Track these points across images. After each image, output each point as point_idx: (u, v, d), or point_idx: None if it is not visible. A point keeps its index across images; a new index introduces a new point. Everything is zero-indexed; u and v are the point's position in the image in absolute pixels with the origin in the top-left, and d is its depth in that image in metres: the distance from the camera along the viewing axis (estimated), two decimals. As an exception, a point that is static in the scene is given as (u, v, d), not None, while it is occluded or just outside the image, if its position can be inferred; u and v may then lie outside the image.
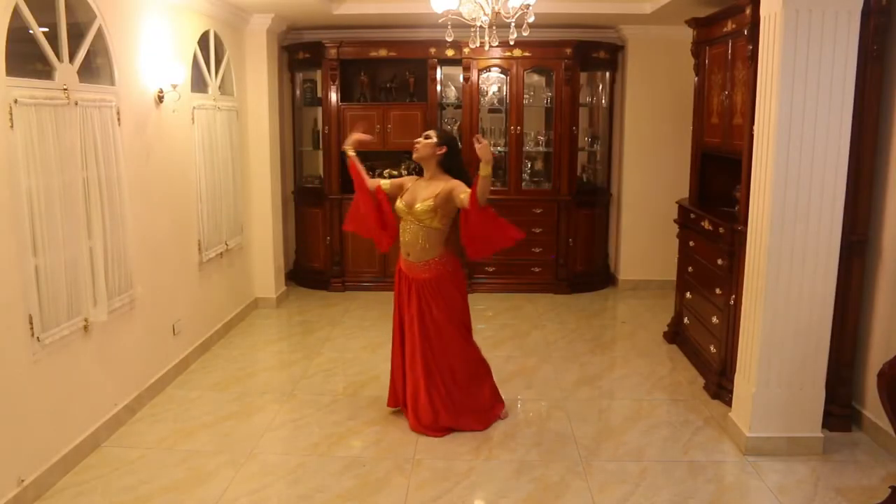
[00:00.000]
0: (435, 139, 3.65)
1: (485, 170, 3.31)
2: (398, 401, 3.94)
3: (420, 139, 3.69)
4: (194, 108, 4.70)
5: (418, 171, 3.83)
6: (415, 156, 3.71)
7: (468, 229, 3.55)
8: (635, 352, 5.06)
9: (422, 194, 3.64)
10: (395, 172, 6.29)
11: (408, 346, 3.77)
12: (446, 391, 3.75)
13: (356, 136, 3.79)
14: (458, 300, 3.77)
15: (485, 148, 3.31)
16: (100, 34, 3.59)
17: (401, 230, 3.74)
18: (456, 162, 3.70)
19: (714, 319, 4.34)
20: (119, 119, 3.68)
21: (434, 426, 3.72)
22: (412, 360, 3.75)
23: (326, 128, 6.41)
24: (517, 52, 6.23)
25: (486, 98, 6.58)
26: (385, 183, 3.83)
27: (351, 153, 3.78)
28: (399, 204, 3.72)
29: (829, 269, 3.37)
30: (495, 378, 3.96)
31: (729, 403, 3.89)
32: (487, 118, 6.65)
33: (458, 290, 3.78)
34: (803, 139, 3.25)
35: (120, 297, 3.71)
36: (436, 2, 3.56)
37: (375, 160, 6.51)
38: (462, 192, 3.51)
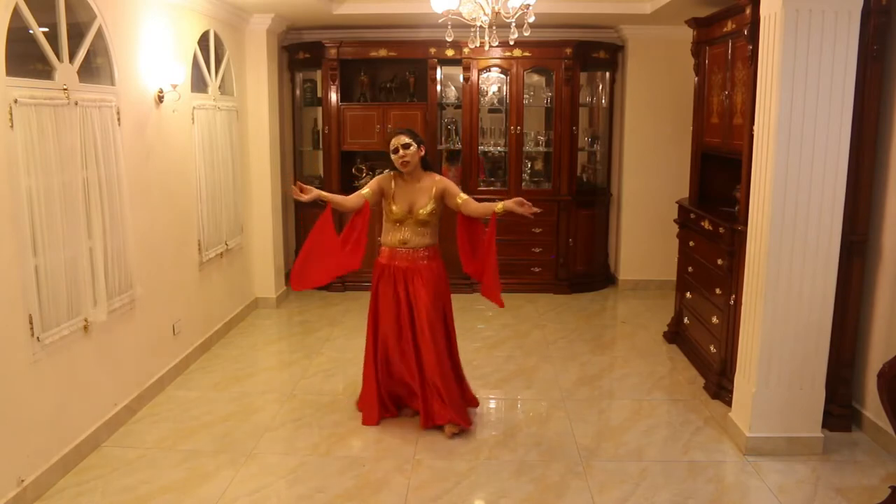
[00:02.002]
0: (415, 144, 3.65)
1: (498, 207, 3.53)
2: (388, 408, 3.89)
3: (402, 152, 3.62)
4: (194, 108, 4.70)
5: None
6: (406, 170, 3.66)
7: (469, 239, 3.71)
8: (635, 352, 5.06)
9: (419, 199, 3.68)
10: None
11: (422, 337, 3.68)
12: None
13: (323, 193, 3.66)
14: (448, 289, 3.84)
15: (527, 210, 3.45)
16: (100, 34, 3.59)
17: (395, 229, 3.72)
18: (426, 155, 3.79)
19: (714, 319, 4.34)
20: (119, 119, 3.68)
21: (463, 414, 3.75)
22: (433, 350, 3.66)
23: (326, 128, 6.41)
24: (517, 52, 6.23)
25: (486, 98, 6.58)
26: (367, 193, 3.73)
27: (322, 195, 3.63)
28: (397, 210, 3.69)
29: (829, 269, 3.37)
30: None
31: (729, 403, 3.89)
32: (487, 118, 6.65)
33: (447, 280, 3.85)
34: (803, 139, 3.25)
35: (120, 297, 3.71)
36: (436, 2, 3.55)
37: (376, 160, 6.52)
38: (458, 197, 3.67)
